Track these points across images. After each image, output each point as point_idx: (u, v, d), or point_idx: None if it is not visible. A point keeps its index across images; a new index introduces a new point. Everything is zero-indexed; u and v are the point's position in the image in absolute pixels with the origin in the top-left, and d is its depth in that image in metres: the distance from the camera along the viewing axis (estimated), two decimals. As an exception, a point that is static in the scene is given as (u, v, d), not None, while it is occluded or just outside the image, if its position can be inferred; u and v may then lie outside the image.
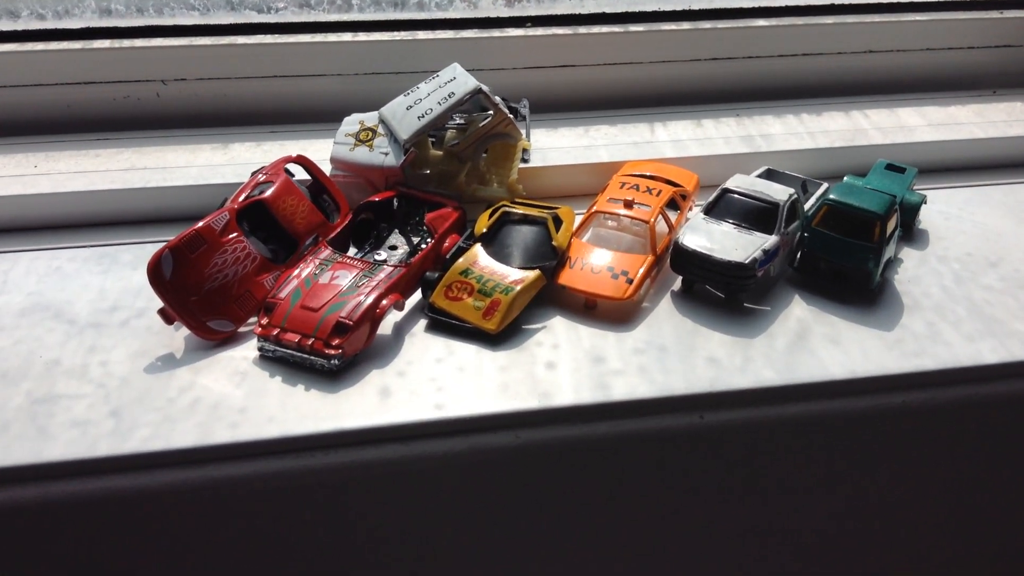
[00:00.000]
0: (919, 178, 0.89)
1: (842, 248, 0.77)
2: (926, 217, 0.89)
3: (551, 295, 0.77)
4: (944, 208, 0.91)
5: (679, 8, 1.02)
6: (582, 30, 0.99)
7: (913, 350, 0.72)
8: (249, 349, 0.72)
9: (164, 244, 0.71)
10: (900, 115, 1.01)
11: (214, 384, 0.68)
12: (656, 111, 1.00)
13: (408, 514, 0.70)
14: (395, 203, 0.84)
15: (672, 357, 0.71)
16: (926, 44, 1.07)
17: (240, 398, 0.67)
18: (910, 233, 0.87)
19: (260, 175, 0.79)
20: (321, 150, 0.88)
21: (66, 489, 0.62)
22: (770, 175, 0.89)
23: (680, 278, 0.79)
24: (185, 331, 0.72)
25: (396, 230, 0.83)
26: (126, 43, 0.93)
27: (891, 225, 0.78)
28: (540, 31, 0.99)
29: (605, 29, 0.99)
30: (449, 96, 0.83)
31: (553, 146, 0.93)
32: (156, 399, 0.67)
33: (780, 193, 0.79)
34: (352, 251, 0.81)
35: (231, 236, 0.74)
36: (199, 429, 0.64)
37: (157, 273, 0.69)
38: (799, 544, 0.80)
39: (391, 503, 0.68)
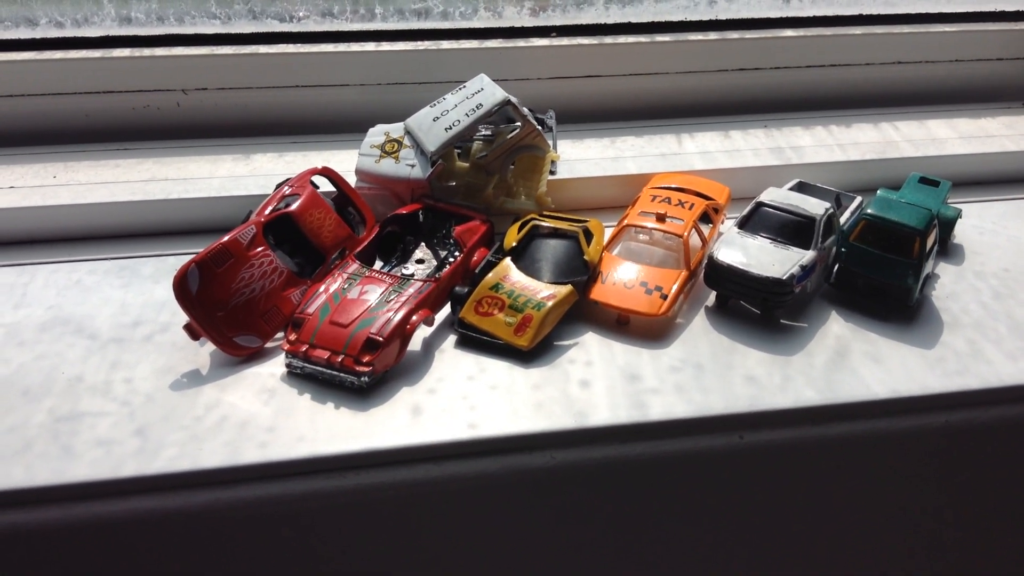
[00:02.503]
0: (951, 191, 0.88)
1: (881, 264, 0.75)
2: (960, 231, 0.87)
3: (582, 310, 0.75)
4: (978, 222, 0.89)
5: (706, 18, 1.01)
6: (608, 40, 0.98)
7: (955, 368, 0.71)
8: (276, 365, 0.70)
9: (190, 258, 0.69)
10: (930, 127, 0.99)
11: (241, 402, 0.66)
12: (683, 122, 0.98)
13: (441, 535, 0.68)
14: (421, 216, 0.83)
15: (709, 375, 0.69)
16: (954, 55, 1.06)
17: (268, 416, 0.65)
18: (945, 248, 0.85)
19: (285, 187, 0.78)
20: (344, 161, 0.87)
21: (91, 511, 0.61)
22: (802, 188, 0.87)
23: (714, 293, 0.77)
24: (210, 346, 0.71)
25: (423, 243, 0.82)
26: (146, 52, 0.92)
27: (931, 240, 0.76)
28: (565, 41, 0.98)
29: (631, 39, 0.98)
30: (477, 107, 0.82)
31: (579, 157, 0.92)
32: (182, 417, 0.65)
33: (816, 207, 0.78)
34: (378, 264, 0.79)
35: (258, 250, 0.72)
36: (227, 448, 0.62)
37: (183, 288, 0.68)
38: (840, 564, 0.78)
39: (423, 524, 0.67)
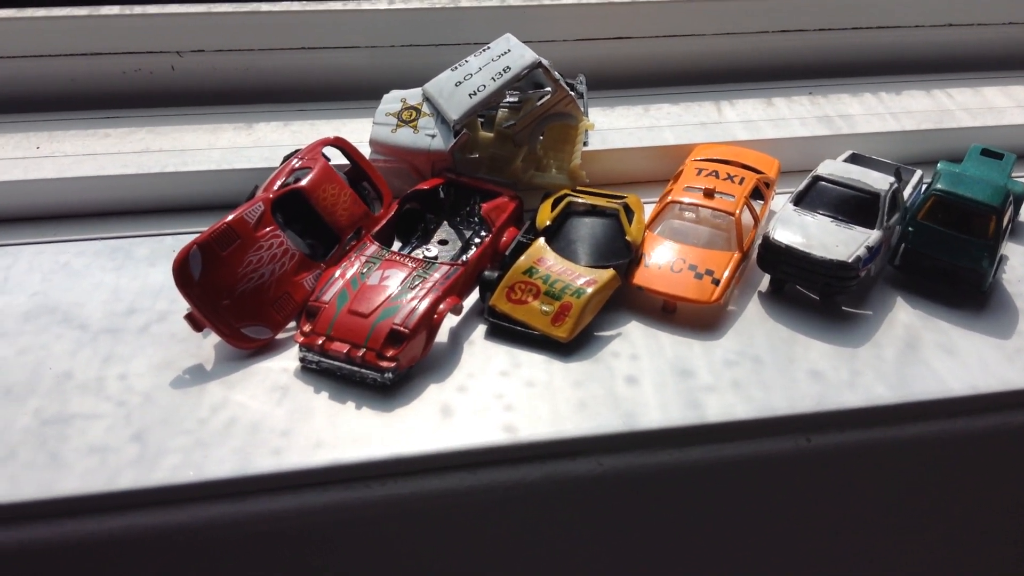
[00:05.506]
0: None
1: (953, 244, 0.69)
2: (1024, 208, 0.80)
3: (623, 297, 0.68)
4: (1043, 198, 0.82)
5: (746, -25, 0.93)
6: (641, -2, 0.90)
7: (1036, 361, 0.64)
8: (288, 359, 0.63)
9: (191, 240, 0.62)
10: (985, 95, 0.92)
11: (251, 401, 0.59)
12: (721, 88, 0.91)
13: (476, 551, 0.61)
14: (441, 192, 0.75)
15: (769, 370, 0.63)
16: (1008, 18, 0.98)
17: (282, 418, 0.58)
18: (1012, 227, 0.78)
19: (294, 160, 0.70)
20: (356, 131, 0.80)
21: (84, 528, 0.54)
22: (855, 160, 0.80)
23: (767, 277, 0.70)
24: (213, 338, 0.64)
25: (445, 222, 0.74)
26: (138, 10, 0.84)
27: (1006, 218, 0.70)
28: (595, -2, 0.90)
29: (666, -3, 0.90)
30: (504, 71, 0.74)
31: (612, 126, 0.84)
32: (185, 420, 0.58)
33: (880, 182, 0.71)
34: (396, 246, 0.71)
35: (266, 230, 0.65)
36: (236, 456, 0.56)
37: (184, 273, 0.60)
38: (917, 574, 0.72)
39: (456, 539, 0.60)
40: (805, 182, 0.72)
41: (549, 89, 0.76)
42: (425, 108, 0.76)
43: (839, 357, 0.64)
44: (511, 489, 0.58)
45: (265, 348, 0.63)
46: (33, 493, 0.53)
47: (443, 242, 0.73)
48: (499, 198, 0.73)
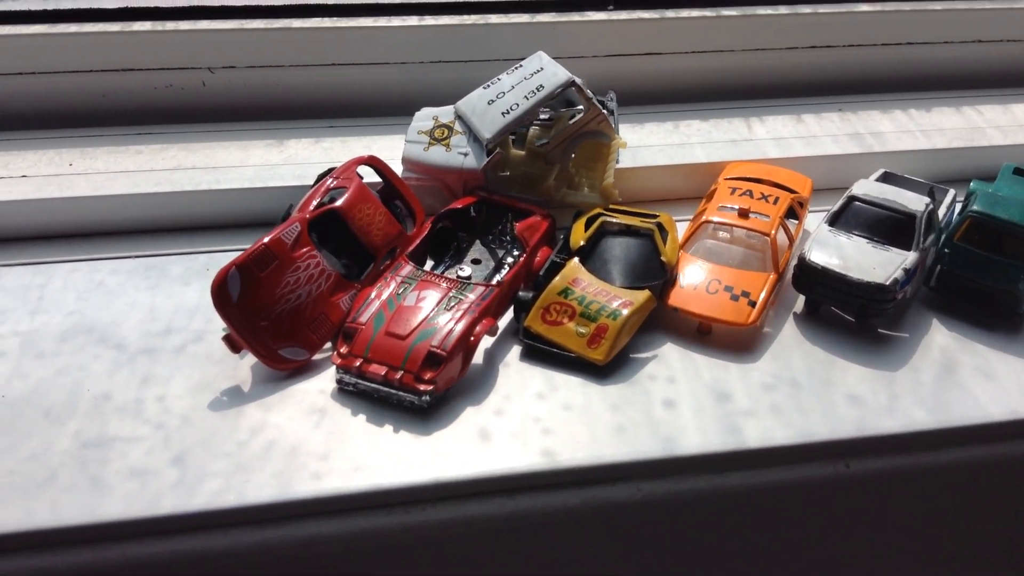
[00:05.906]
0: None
1: (989, 266, 0.68)
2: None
3: (657, 318, 0.68)
4: (1075, 217, 0.82)
5: (775, -9, 0.93)
6: (670, 14, 0.90)
7: (1075, 385, 0.64)
8: (324, 381, 0.63)
9: (229, 261, 0.61)
10: (1015, 112, 0.91)
11: (288, 424, 0.59)
12: (751, 104, 0.90)
13: (515, 577, 0.61)
14: (472, 210, 0.75)
15: (807, 394, 0.63)
16: (1038, 33, 0.98)
17: (321, 441, 0.58)
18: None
19: (329, 179, 0.70)
20: (387, 147, 0.79)
21: (127, 552, 0.53)
22: (888, 179, 0.79)
23: (802, 299, 0.70)
24: (249, 359, 0.64)
25: (477, 241, 0.74)
26: (169, 26, 0.84)
27: (1044, 241, 0.69)
28: (624, 14, 0.90)
29: (695, 13, 0.90)
30: (538, 89, 0.74)
31: (641, 143, 0.84)
32: (224, 442, 0.58)
33: (915, 202, 0.70)
34: (428, 265, 0.71)
35: (303, 250, 0.65)
36: (277, 480, 0.56)
37: (223, 295, 0.60)
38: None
39: (494, 566, 0.60)
40: (840, 202, 0.72)
41: (581, 107, 0.76)
42: (457, 126, 0.76)
43: (877, 381, 0.64)
44: (550, 515, 0.58)
45: (301, 369, 0.63)
46: (75, 518, 0.53)
47: (476, 261, 0.72)
48: (532, 217, 0.73)
